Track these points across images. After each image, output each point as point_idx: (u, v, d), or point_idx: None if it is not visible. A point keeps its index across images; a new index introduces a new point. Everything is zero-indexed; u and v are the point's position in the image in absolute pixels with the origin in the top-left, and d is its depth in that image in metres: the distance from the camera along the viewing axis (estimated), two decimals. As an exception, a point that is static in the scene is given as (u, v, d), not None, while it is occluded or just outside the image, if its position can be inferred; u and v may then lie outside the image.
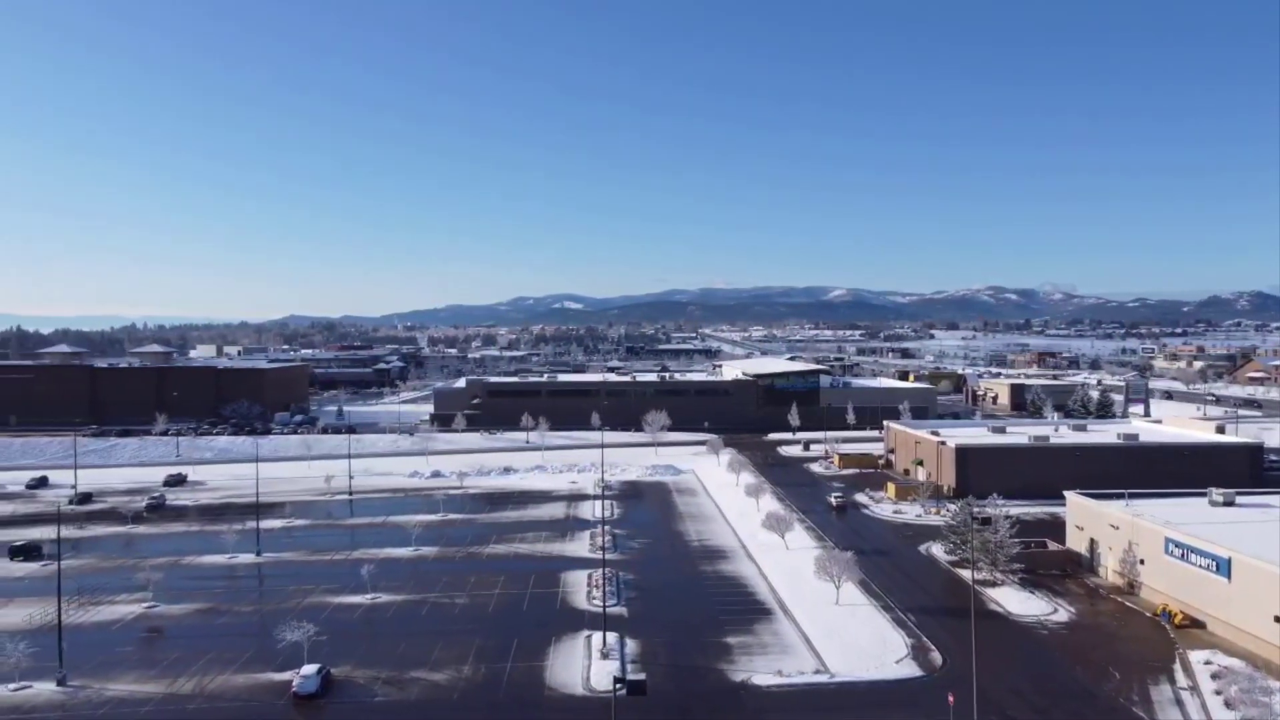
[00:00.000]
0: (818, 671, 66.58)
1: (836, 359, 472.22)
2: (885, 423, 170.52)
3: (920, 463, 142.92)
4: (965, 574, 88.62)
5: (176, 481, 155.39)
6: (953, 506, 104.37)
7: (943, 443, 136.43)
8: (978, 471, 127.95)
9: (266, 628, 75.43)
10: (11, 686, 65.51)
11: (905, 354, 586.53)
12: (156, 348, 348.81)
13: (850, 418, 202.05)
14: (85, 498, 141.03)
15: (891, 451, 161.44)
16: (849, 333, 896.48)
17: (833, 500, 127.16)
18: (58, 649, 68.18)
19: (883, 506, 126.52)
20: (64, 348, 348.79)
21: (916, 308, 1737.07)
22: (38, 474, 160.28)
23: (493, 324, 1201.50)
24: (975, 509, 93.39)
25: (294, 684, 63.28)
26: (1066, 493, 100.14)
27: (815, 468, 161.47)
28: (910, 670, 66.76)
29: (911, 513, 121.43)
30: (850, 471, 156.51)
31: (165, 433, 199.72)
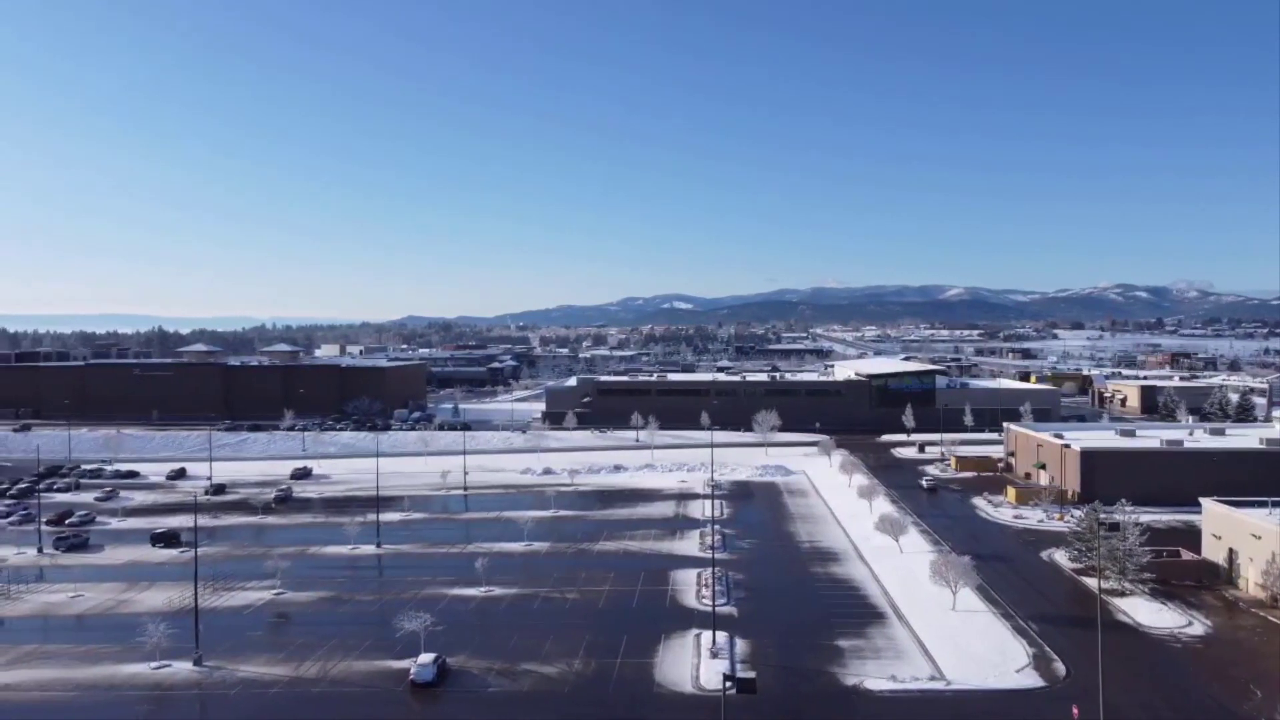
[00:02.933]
0: (933, 678, 64.81)
1: (953, 359, 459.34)
2: (1005, 425, 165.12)
3: (1043, 466, 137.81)
4: (1091, 582, 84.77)
5: (302, 475, 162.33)
6: (1078, 512, 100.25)
7: (1067, 446, 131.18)
8: (1105, 476, 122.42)
9: (386, 617, 77.84)
10: (153, 665, 69.49)
11: (1026, 354, 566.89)
12: (284, 347, 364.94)
13: (968, 420, 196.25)
14: (219, 489, 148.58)
15: (1012, 454, 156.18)
16: (966, 332, 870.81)
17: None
18: (194, 631, 71.90)
19: (1002, 511, 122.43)
20: (200, 347, 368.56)
21: (1038, 307, 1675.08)
22: (177, 466, 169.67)
23: (603, 324, 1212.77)
24: (1102, 515, 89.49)
25: (412, 672, 65.16)
26: (1203, 500, 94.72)
27: (931, 470, 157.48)
28: (1032, 680, 64.32)
29: (1033, 518, 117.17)
30: (968, 474, 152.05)
31: (292, 428, 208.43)
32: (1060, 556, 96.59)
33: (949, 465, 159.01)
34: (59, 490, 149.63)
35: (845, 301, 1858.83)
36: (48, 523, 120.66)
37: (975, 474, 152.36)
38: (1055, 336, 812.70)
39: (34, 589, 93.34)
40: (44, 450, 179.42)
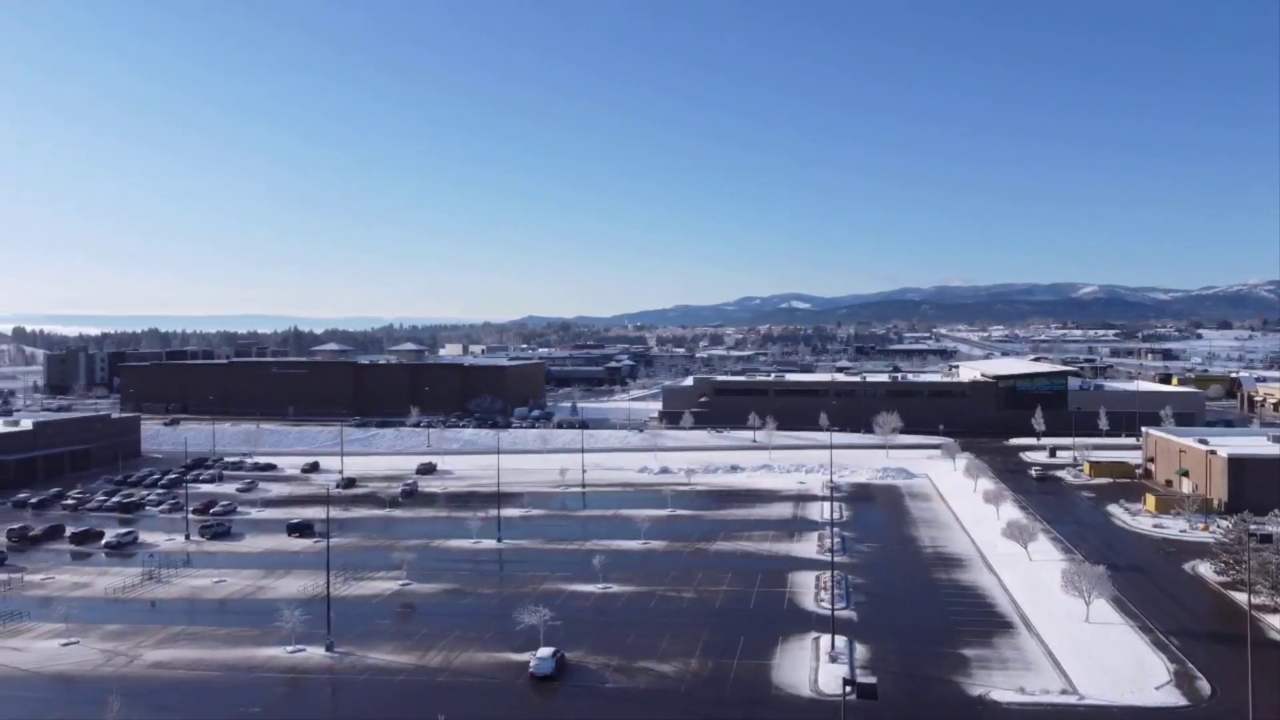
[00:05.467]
0: (1064, 692, 62.04)
1: (1087, 360, 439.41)
2: (1143, 429, 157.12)
3: (1185, 473, 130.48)
4: (1239, 597, 79.71)
5: (427, 470, 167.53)
6: (1225, 522, 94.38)
7: (1213, 452, 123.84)
8: (1255, 485, 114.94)
9: (506, 610, 79.34)
10: (289, 649, 72.81)
11: (1167, 355, 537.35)
12: (411, 346, 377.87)
13: (1102, 423, 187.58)
14: (350, 482, 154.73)
15: (1150, 460, 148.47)
16: (1101, 332, 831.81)
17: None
18: (326, 618, 75.04)
19: (1140, 519, 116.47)
20: (333, 346, 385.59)
21: (1180, 305, 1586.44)
22: (311, 460, 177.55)
23: (720, 324, 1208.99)
24: (1253, 525, 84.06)
25: (531, 665, 66.30)
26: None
27: (1062, 475, 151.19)
28: (1172, 698, 60.88)
29: (1174, 527, 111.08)
30: (1102, 481, 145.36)
31: (417, 424, 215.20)
32: (1205, 569, 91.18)
33: (1082, 471, 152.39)
34: (204, 481, 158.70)
35: (970, 300, 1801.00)
36: (194, 511, 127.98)
37: (1110, 480, 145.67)
38: (1199, 336, 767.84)
39: (182, 573, 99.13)
40: (190, 443, 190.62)
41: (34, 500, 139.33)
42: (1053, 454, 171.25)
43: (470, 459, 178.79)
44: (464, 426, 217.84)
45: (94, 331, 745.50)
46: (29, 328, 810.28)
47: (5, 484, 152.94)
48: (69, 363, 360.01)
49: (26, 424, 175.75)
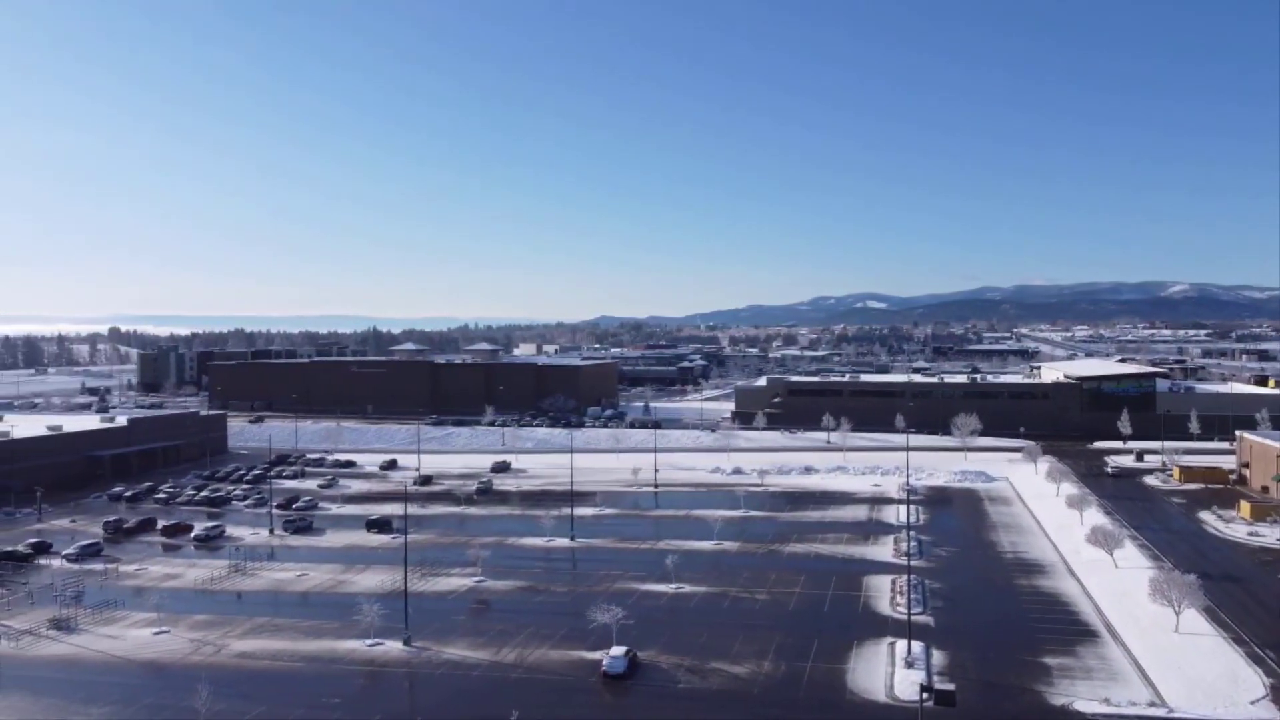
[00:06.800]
0: (1152, 704, 59.98)
1: (1176, 361, 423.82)
2: (1238, 433, 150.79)
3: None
4: (1342, 610, 76.19)
5: (501, 468, 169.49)
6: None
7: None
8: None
9: (579, 608, 79.92)
10: (368, 642, 74.39)
11: (1263, 356, 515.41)
12: (485, 346, 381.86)
13: (1193, 427, 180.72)
14: (426, 480, 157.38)
15: (1245, 466, 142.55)
16: (1192, 332, 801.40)
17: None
18: (404, 613, 76.45)
19: (1234, 527, 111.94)
20: (410, 346, 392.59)
21: (1277, 304, 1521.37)
22: (388, 457, 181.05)
23: (793, 324, 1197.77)
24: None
25: (604, 663, 66.58)
26: None
27: (1150, 481, 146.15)
28: (1268, 713, 58.34)
29: (1271, 536, 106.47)
30: (1193, 486, 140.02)
31: (492, 423, 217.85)
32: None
33: (1171, 476, 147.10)
34: (287, 477, 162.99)
35: (1053, 299, 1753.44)
36: (278, 507, 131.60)
37: (1202, 486, 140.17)
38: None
39: (266, 566, 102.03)
40: (274, 440, 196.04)
41: (128, 494, 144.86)
42: (1140, 458, 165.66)
43: (544, 458, 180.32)
44: (538, 425, 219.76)
45: (184, 332, 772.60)
46: (124, 328, 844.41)
47: (102, 478, 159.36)
48: (160, 362, 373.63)
49: (122, 421, 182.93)
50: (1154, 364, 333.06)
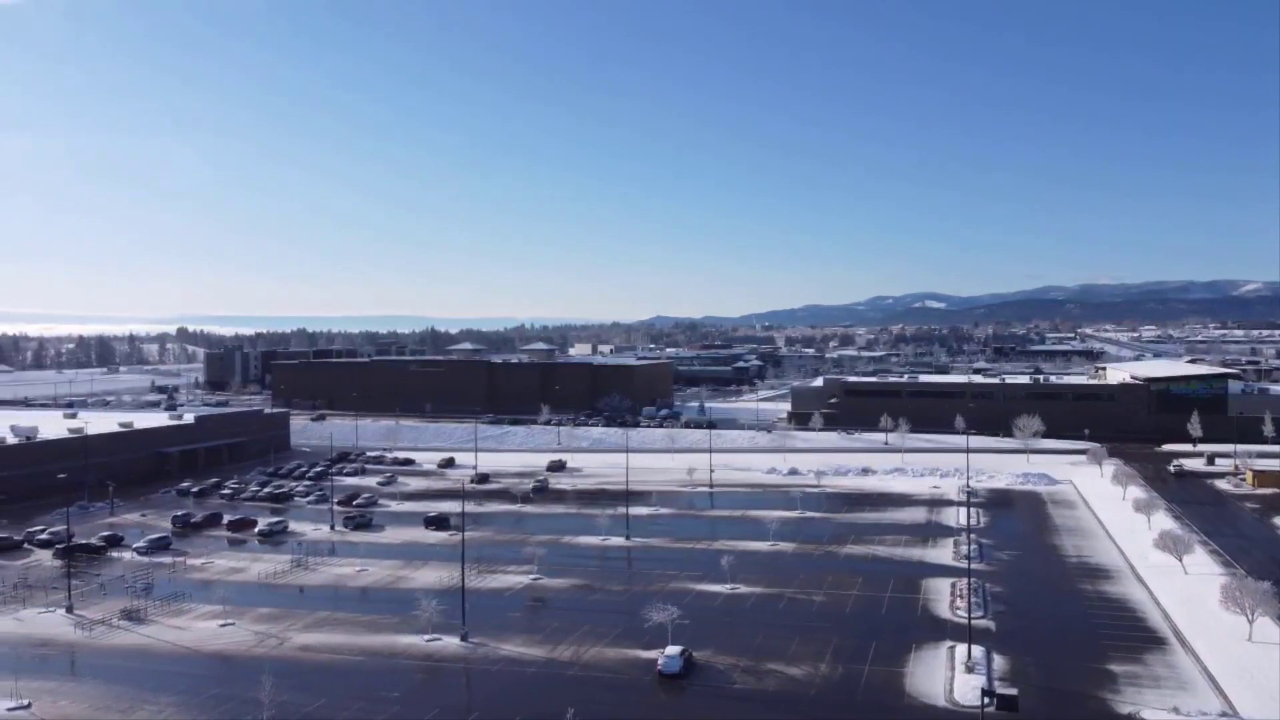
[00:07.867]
0: (1224, 715, 58.14)
1: (1250, 363, 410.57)
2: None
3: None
4: None
5: (557, 467, 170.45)
6: None
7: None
8: None
9: (634, 607, 79.99)
10: (426, 637, 75.28)
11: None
12: (541, 346, 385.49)
13: (1267, 430, 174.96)
14: (483, 478, 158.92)
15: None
16: (1267, 333, 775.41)
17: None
18: (461, 609, 77.22)
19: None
20: (467, 345, 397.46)
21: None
22: (446, 455, 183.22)
23: (850, 324, 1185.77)
24: None
25: (659, 663, 66.50)
26: None
27: (1221, 485, 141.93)
28: (1349, 727, 56.29)
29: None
30: (1268, 491, 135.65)
31: (548, 422, 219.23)
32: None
33: (1244, 480, 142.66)
34: (348, 474, 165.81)
35: (1119, 299, 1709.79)
36: (338, 503, 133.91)
37: (1277, 491, 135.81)
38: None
39: (327, 562, 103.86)
40: (335, 438, 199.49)
41: (195, 489, 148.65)
42: (1211, 461, 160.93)
43: (599, 457, 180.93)
44: (593, 425, 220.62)
45: (248, 332, 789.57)
46: (191, 328, 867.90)
47: (170, 474, 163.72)
48: (226, 361, 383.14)
49: (189, 418, 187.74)
50: (1226, 365, 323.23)
